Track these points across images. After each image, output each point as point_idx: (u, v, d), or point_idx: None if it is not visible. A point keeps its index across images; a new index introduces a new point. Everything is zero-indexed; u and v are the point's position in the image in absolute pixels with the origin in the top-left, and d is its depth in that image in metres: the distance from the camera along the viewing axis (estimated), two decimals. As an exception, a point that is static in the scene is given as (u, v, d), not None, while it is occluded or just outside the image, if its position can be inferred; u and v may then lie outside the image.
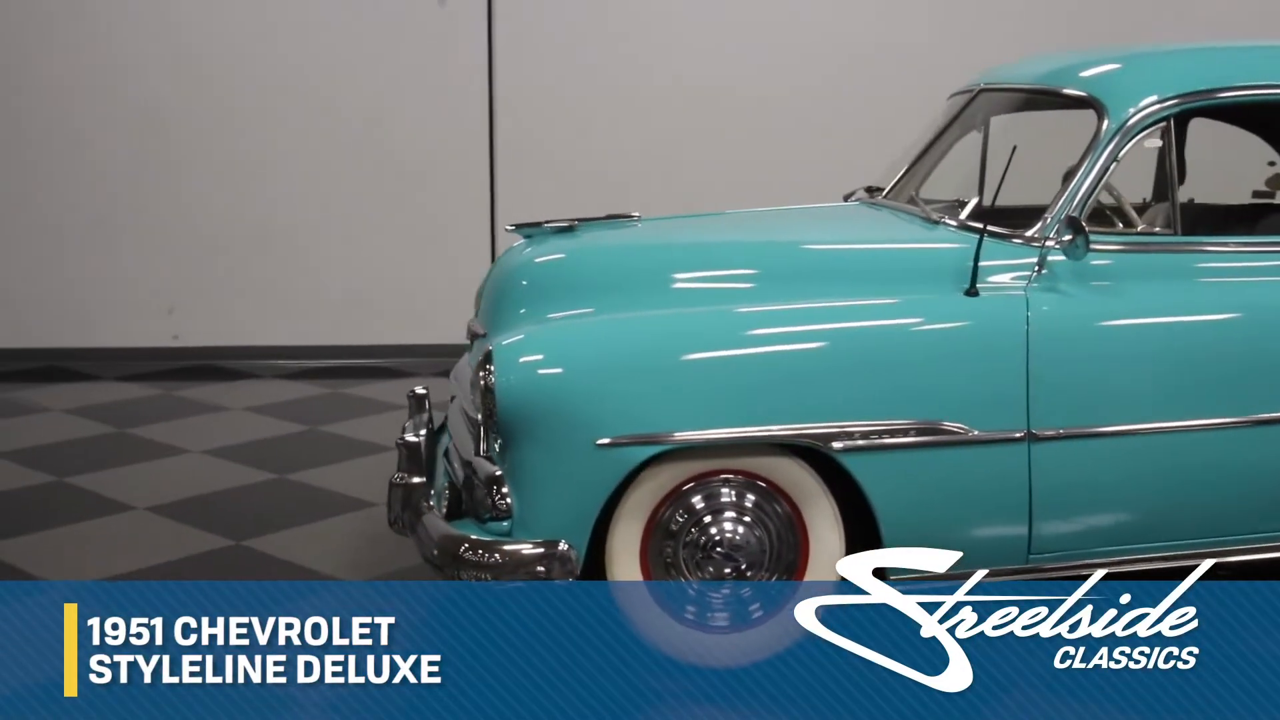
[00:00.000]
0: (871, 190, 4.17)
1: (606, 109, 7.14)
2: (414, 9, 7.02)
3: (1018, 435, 3.23)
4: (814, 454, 3.20)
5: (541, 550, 3.15)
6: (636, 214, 3.92)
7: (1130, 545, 3.39)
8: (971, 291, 3.29)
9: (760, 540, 3.28)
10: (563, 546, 3.16)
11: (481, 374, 3.17)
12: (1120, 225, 3.53)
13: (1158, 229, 4.19)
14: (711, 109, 7.13)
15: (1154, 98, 3.40)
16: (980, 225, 3.37)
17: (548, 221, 3.79)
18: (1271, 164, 4.59)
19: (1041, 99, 3.71)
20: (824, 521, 3.27)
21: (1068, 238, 3.31)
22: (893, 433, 3.18)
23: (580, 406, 3.12)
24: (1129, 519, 3.37)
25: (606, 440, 3.11)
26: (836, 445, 3.16)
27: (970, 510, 3.28)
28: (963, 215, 3.58)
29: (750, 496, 3.28)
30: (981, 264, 3.32)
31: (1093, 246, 3.34)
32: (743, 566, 3.28)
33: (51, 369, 6.92)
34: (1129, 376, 3.29)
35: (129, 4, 6.95)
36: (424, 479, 3.48)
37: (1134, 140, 3.40)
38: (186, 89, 7.00)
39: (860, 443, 3.17)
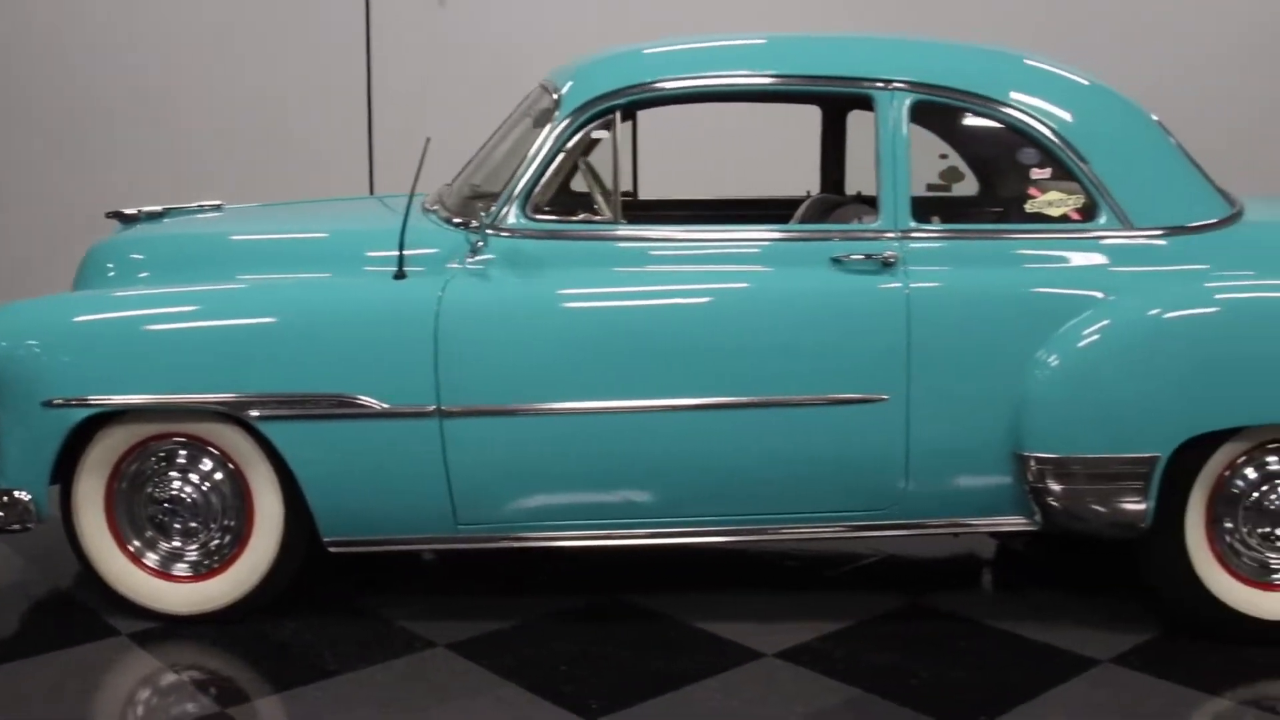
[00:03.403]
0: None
1: (479, 99, 7.41)
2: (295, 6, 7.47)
3: (429, 410, 3.41)
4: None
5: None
6: (219, 201, 4.26)
7: (560, 521, 3.53)
8: (399, 275, 3.49)
9: (209, 500, 3.58)
10: (22, 495, 3.52)
11: None
12: (607, 214, 3.61)
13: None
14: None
15: (595, 93, 3.51)
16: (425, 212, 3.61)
17: (143, 209, 4.17)
18: (943, 156, 4.57)
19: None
20: (264, 485, 3.54)
21: (474, 224, 3.48)
22: (305, 403, 3.42)
23: (30, 370, 3.47)
24: (553, 495, 3.51)
25: (49, 400, 3.46)
26: (254, 413, 3.43)
27: (391, 480, 3.48)
28: (447, 205, 3.76)
29: (201, 459, 3.58)
30: (423, 250, 3.53)
31: (531, 234, 3.50)
32: (197, 523, 3.59)
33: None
34: (542, 358, 3.42)
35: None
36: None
37: (580, 133, 3.51)
38: (56, 82, 7.32)
39: (275, 412, 3.43)
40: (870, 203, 4.43)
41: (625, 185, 4.71)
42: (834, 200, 4.39)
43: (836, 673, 3.35)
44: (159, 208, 4.17)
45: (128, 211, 4.13)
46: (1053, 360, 3.37)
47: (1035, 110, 3.51)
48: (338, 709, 3.18)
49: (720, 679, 3.32)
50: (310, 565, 3.67)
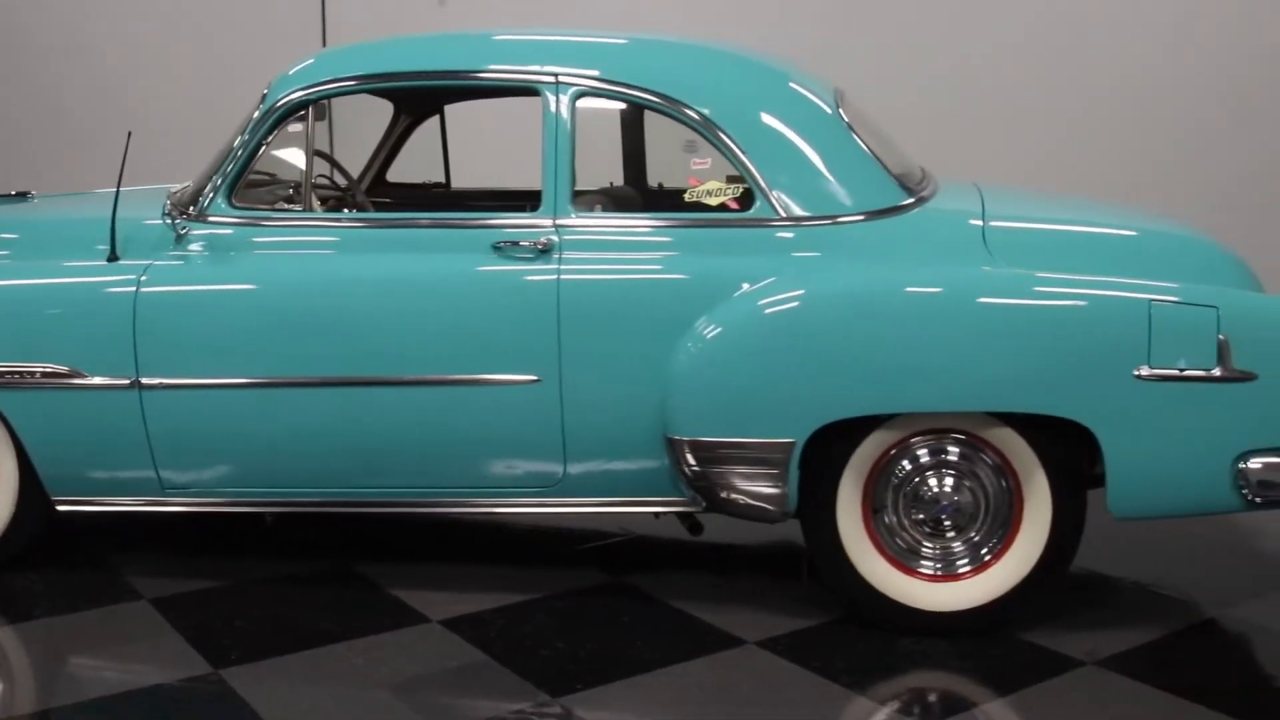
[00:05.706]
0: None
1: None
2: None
3: (127, 383, 3.71)
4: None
5: None
6: (33, 191, 4.64)
7: (254, 489, 3.79)
8: (112, 258, 3.80)
9: (-43, 461, 3.97)
10: None
11: None
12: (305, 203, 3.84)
13: (608, 208, 4.43)
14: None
15: (285, 90, 3.75)
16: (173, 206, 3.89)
17: (-33, 197, 4.60)
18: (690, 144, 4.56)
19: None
20: (1, 448, 3.89)
21: (184, 214, 3.76)
22: (22, 374, 3.76)
23: None
24: (239, 465, 3.76)
25: None
26: (-20, 382, 3.80)
27: (101, 447, 3.80)
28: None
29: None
30: (140, 237, 3.82)
31: (230, 222, 3.75)
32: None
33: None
34: (222, 337, 3.67)
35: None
36: None
37: (276, 128, 3.75)
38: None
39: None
40: (669, 194, 4.57)
41: (436, 176, 4.96)
42: (622, 192, 4.52)
43: (480, 641, 3.51)
44: (-21, 197, 4.60)
45: (-41, 196, 4.57)
46: (691, 347, 3.44)
47: (698, 101, 3.58)
48: (10, 650, 3.52)
49: (371, 640, 3.52)
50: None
